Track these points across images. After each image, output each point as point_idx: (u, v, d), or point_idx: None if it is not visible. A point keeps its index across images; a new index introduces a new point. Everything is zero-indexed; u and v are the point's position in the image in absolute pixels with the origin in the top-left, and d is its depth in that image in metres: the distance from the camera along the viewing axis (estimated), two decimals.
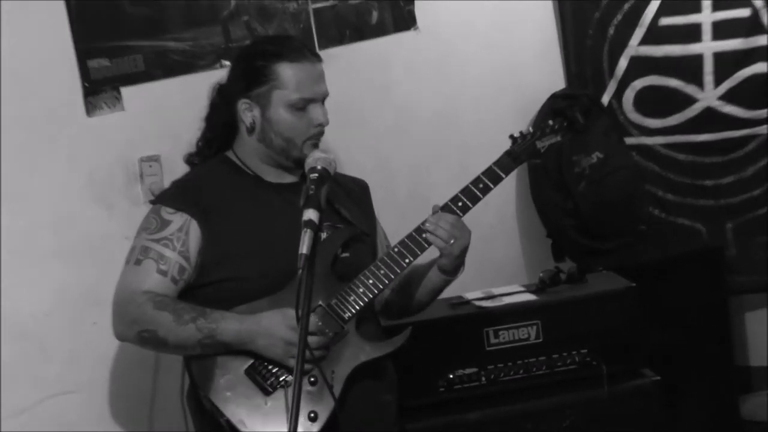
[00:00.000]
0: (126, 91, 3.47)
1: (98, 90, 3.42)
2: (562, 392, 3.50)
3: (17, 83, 3.26)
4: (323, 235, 2.88)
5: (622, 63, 4.32)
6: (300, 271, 2.54)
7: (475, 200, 3.00)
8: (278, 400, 2.81)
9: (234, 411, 2.80)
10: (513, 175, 4.15)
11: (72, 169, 3.45)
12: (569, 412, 3.47)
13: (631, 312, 3.56)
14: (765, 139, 4.29)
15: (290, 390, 2.77)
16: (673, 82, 4.31)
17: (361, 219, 3.08)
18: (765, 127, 4.28)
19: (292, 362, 2.79)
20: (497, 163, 3.05)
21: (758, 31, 4.22)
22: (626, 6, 4.30)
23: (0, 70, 3.24)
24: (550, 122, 3.15)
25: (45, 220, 3.37)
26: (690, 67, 4.29)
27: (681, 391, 3.95)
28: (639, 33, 4.29)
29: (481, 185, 3.02)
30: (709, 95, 4.30)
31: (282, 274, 2.86)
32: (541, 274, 3.68)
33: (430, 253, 3.00)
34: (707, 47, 4.27)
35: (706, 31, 4.25)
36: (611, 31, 4.32)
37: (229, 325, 2.82)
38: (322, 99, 2.98)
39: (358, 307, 2.88)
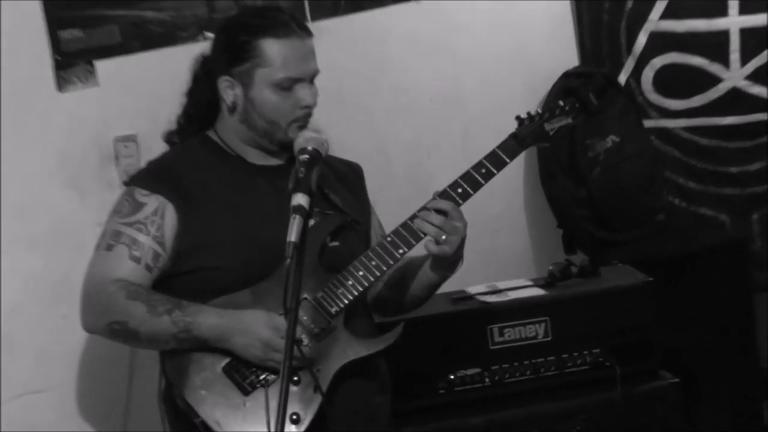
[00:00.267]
0: (100, 65, 3.48)
1: (70, 63, 3.43)
2: (573, 395, 3.49)
3: None
4: (311, 222, 2.87)
5: (641, 39, 4.31)
6: (288, 260, 2.52)
7: (477, 187, 2.98)
8: (257, 400, 2.80)
9: (209, 411, 2.80)
10: (521, 160, 4.19)
11: (41, 150, 3.46)
12: (580, 416, 3.47)
13: (647, 309, 3.56)
14: None
15: (271, 390, 2.79)
16: (696, 60, 4.30)
17: (353, 206, 3.06)
18: None
19: (270, 365, 2.81)
20: (501, 146, 3.03)
21: None
22: None
23: None
24: (561, 103, 3.14)
25: (11, 205, 3.38)
26: (714, 44, 4.28)
27: (700, 394, 3.94)
28: (660, 6, 4.28)
29: (483, 170, 2.99)
30: (735, 74, 4.29)
31: (265, 263, 2.86)
32: (550, 268, 3.67)
33: None
34: (734, 22, 4.26)
35: (733, 5, 4.24)
36: (629, 4, 4.30)
37: (207, 319, 2.81)
38: (310, 78, 2.96)
39: (346, 301, 2.87)
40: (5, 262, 3.36)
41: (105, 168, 3.52)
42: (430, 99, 4.06)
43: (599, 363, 3.51)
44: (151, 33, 3.53)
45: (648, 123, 4.35)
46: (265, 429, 2.75)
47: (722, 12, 4.25)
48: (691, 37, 4.29)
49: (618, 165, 4.20)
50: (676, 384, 3.55)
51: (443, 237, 2.88)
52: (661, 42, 4.30)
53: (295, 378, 2.80)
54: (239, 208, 2.94)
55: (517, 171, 4.22)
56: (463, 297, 3.58)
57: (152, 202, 2.92)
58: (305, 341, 2.82)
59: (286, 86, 2.92)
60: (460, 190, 2.96)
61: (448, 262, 2.95)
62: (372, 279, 2.89)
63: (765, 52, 4.26)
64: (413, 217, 2.92)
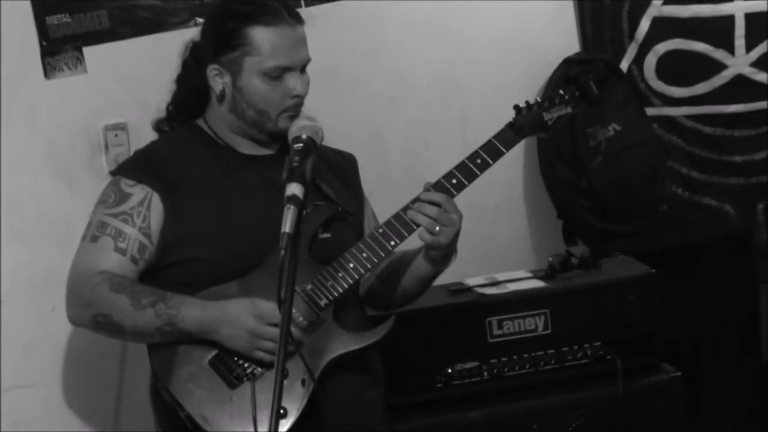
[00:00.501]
0: (89, 51, 3.48)
1: (58, 50, 3.44)
2: (573, 389, 3.52)
3: None
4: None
5: (644, 24, 4.31)
6: (282, 251, 2.52)
7: (472, 177, 2.99)
8: (244, 394, 2.82)
9: (195, 405, 2.82)
10: (520, 149, 4.20)
11: (28, 139, 3.46)
12: (580, 411, 3.50)
13: (649, 301, 3.58)
14: None
15: (257, 383, 2.81)
16: (701, 47, 4.30)
17: (345, 196, 3.07)
18: None
19: (258, 355, 2.83)
20: (498, 136, 3.04)
21: None
22: None
23: None
24: (561, 92, 3.14)
25: None
26: (719, 30, 4.27)
27: (703, 388, 3.96)
28: None
29: (478, 161, 3.00)
30: (740, 61, 4.30)
31: (253, 255, 2.88)
32: (550, 259, 3.69)
33: None
34: (739, 7, 4.25)
35: None
36: None
37: (191, 311, 2.83)
38: (300, 66, 2.97)
39: (336, 294, 2.88)
40: None
41: (94, 157, 3.52)
42: (427, 86, 4.06)
43: (600, 356, 3.53)
44: (141, 18, 3.53)
45: (650, 111, 4.35)
46: (251, 424, 2.77)
47: None
48: (695, 22, 4.28)
49: (620, 154, 4.21)
50: (678, 378, 3.57)
51: (437, 228, 2.89)
52: (664, 27, 4.30)
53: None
54: (227, 199, 2.96)
55: (516, 160, 4.22)
56: (461, 289, 3.60)
57: (138, 192, 2.94)
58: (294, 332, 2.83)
59: (275, 75, 2.93)
60: (454, 181, 2.97)
61: (441, 254, 2.96)
62: (363, 271, 2.90)
63: None
64: (406, 209, 2.92)
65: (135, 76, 3.51)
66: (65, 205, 3.45)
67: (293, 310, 2.79)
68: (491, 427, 3.46)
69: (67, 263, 2.99)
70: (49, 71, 3.44)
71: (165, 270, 2.94)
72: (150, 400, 3.01)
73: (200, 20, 3.51)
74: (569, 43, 4.30)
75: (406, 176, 3.92)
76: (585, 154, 4.18)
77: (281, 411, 2.73)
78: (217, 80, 2.98)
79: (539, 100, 3.14)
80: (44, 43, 3.41)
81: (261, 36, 2.92)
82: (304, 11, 2.98)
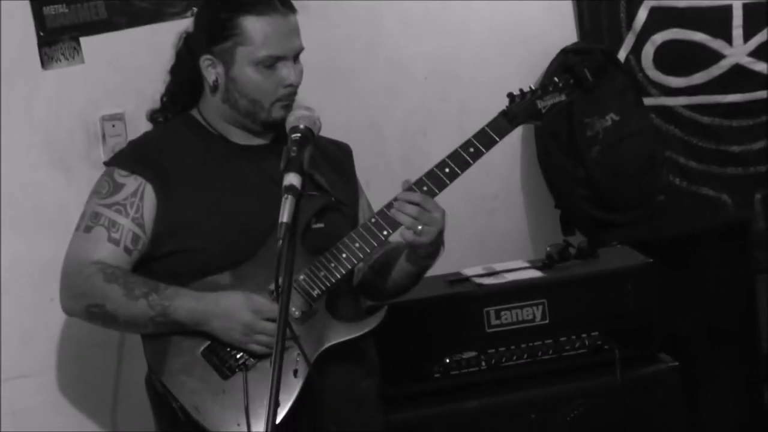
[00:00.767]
0: (86, 42, 3.48)
1: (55, 40, 3.43)
2: (571, 379, 3.52)
3: None
4: None
5: (642, 14, 4.31)
6: (280, 241, 2.52)
7: (465, 166, 2.97)
8: (236, 385, 2.82)
9: (188, 396, 2.82)
10: (518, 139, 4.20)
11: (25, 130, 3.46)
12: (578, 400, 3.50)
13: (647, 291, 3.58)
14: None
15: (249, 373, 2.81)
16: (698, 36, 4.30)
17: (339, 187, 3.06)
18: None
19: (251, 347, 2.83)
20: (491, 124, 3.02)
21: None
22: None
23: None
24: (555, 79, 3.12)
25: None
26: (717, 20, 4.28)
27: (701, 378, 3.96)
28: None
29: (471, 150, 2.98)
30: (737, 51, 4.30)
31: (246, 245, 2.88)
32: (548, 249, 3.69)
33: None
34: None
35: None
36: None
37: (184, 302, 2.84)
38: (293, 56, 2.96)
39: (328, 284, 2.88)
40: None
41: (91, 148, 3.52)
42: (425, 77, 4.06)
43: (597, 346, 3.53)
44: (138, 9, 3.53)
45: (648, 101, 4.36)
46: (244, 414, 2.77)
47: None
48: (692, 12, 4.29)
49: (617, 144, 4.21)
50: (675, 368, 3.57)
51: (420, 228, 2.87)
52: (662, 17, 4.30)
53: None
54: (221, 189, 2.96)
55: (513, 150, 4.23)
56: (459, 279, 3.60)
57: (132, 183, 2.94)
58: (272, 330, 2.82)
59: (268, 64, 2.92)
60: (447, 170, 2.95)
61: (423, 253, 2.94)
62: (355, 261, 2.90)
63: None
64: (393, 203, 2.91)
65: (132, 66, 3.51)
66: (63, 196, 3.45)
67: None
68: (489, 417, 3.46)
69: (65, 254, 2.98)
70: (46, 62, 3.44)
71: (158, 260, 2.94)
72: (146, 391, 3.01)
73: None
74: (567, 34, 4.30)
75: (404, 167, 3.92)
76: (583, 144, 4.19)
77: (278, 402, 2.76)
78: (210, 70, 2.97)
79: (533, 87, 3.12)
80: (41, 34, 3.41)
81: (253, 26, 2.92)
82: (302, 3, 2.97)
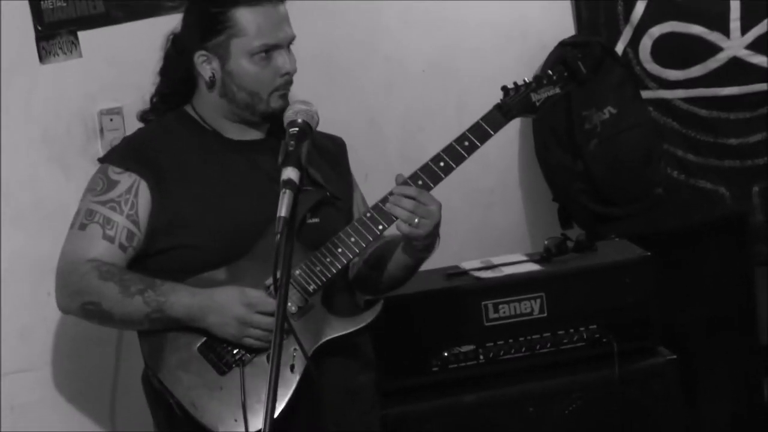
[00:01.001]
0: (84, 36, 3.47)
1: (53, 34, 3.43)
2: (569, 372, 3.52)
3: None
4: None
5: (639, 7, 4.30)
6: (278, 235, 2.51)
7: (460, 160, 2.98)
8: (233, 380, 2.82)
9: (185, 392, 2.82)
10: (515, 133, 4.20)
11: (23, 124, 3.46)
12: (576, 394, 3.50)
13: (645, 284, 3.59)
14: None
15: (246, 369, 2.81)
16: (696, 29, 4.30)
17: (334, 181, 3.06)
18: None
19: (247, 342, 2.83)
20: (485, 118, 3.03)
21: None
22: None
23: None
24: (549, 72, 3.13)
25: None
26: (714, 12, 4.28)
27: (699, 371, 3.96)
28: None
29: (466, 143, 2.99)
30: (735, 44, 4.30)
31: (242, 241, 2.88)
32: (546, 242, 3.69)
33: None
34: None
35: None
36: None
37: (180, 298, 2.84)
38: (287, 44, 2.97)
39: (324, 279, 2.88)
40: None
41: (90, 142, 3.52)
42: (423, 70, 4.06)
43: (596, 339, 3.53)
44: (136, 3, 3.52)
45: (646, 94, 4.36)
46: (241, 410, 2.78)
47: None
48: (690, 4, 4.28)
49: (615, 137, 4.21)
50: (673, 361, 3.57)
51: (416, 221, 2.87)
52: (659, 10, 4.30)
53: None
54: (215, 185, 2.96)
55: (511, 144, 4.23)
56: (457, 273, 3.60)
57: (126, 180, 2.94)
58: (268, 324, 2.80)
59: (263, 55, 2.93)
60: (442, 164, 2.96)
61: (420, 246, 2.94)
62: (351, 256, 2.90)
63: (766, 21, 4.26)
64: (388, 197, 2.92)
65: (130, 60, 3.50)
66: (61, 191, 3.45)
67: None
68: (487, 410, 3.47)
69: None
70: (44, 56, 3.43)
71: (153, 257, 2.95)
72: (143, 387, 3.01)
73: None
74: (564, 27, 4.30)
75: (402, 162, 3.90)
76: (580, 137, 4.19)
77: (276, 397, 2.75)
78: (206, 66, 2.97)
79: (526, 80, 3.12)
80: (39, 28, 3.41)
81: (245, 17, 2.92)
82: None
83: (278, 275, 2.51)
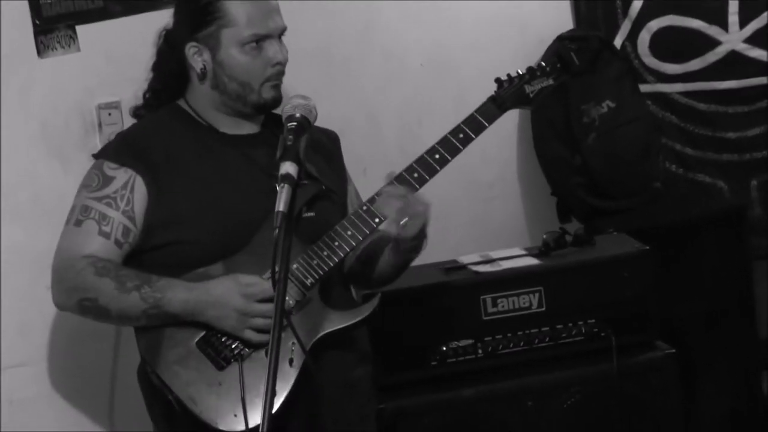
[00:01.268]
0: (82, 30, 3.47)
1: (51, 28, 3.43)
2: (567, 366, 3.52)
3: None
4: None
5: (637, 1, 4.30)
6: (276, 230, 2.51)
7: (455, 152, 2.99)
8: (232, 375, 2.82)
9: (183, 388, 2.82)
10: (514, 126, 4.20)
11: (22, 118, 3.46)
12: (575, 388, 3.50)
13: (644, 278, 3.59)
14: None
15: (245, 363, 2.81)
16: (694, 23, 4.30)
17: (328, 174, 3.06)
18: None
19: (248, 334, 2.82)
20: (480, 109, 3.04)
21: None
22: None
23: None
24: (542, 64, 3.14)
25: None
26: (713, 6, 4.27)
27: (698, 365, 3.96)
28: None
29: (461, 135, 3.00)
30: (733, 37, 4.29)
31: (237, 236, 2.88)
32: (544, 236, 3.69)
33: None
34: None
35: None
36: None
37: (177, 294, 2.83)
38: (278, 35, 2.97)
39: (321, 273, 2.88)
40: None
41: (88, 136, 3.52)
42: (421, 64, 4.06)
43: (594, 334, 3.53)
44: None
45: (644, 87, 4.35)
46: (240, 405, 2.77)
47: None
48: None
49: (614, 131, 4.21)
50: (672, 355, 3.57)
51: (404, 221, 2.87)
52: (658, 4, 4.29)
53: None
54: (211, 180, 2.96)
55: (510, 138, 4.22)
56: (455, 267, 3.60)
57: (121, 175, 2.93)
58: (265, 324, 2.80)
59: (254, 45, 2.93)
60: (437, 156, 2.97)
61: (408, 246, 2.94)
62: (348, 249, 2.90)
63: (764, 14, 4.26)
64: (376, 197, 2.92)
65: (128, 54, 3.50)
66: (59, 185, 3.45)
67: None
68: (486, 404, 3.47)
69: None
70: (42, 50, 3.43)
71: (149, 252, 2.94)
72: (139, 383, 3.01)
73: None
74: (563, 21, 4.29)
75: (400, 156, 3.88)
76: (579, 131, 4.18)
77: (274, 392, 2.74)
78: (197, 58, 2.98)
79: (520, 72, 3.12)
80: (37, 22, 3.40)
81: (235, 7, 2.93)
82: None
83: (276, 269, 2.50)
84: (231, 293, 2.81)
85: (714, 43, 4.30)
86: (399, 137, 4.01)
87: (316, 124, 2.92)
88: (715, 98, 4.36)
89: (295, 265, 2.85)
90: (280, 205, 2.54)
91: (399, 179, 2.94)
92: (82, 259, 2.88)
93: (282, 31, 2.99)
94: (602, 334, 3.53)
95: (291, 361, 2.81)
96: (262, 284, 2.80)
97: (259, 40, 2.94)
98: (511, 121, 4.16)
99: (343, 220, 2.93)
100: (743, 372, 4.12)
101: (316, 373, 2.81)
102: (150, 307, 2.83)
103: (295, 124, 2.75)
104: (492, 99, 3.07)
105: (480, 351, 3.50)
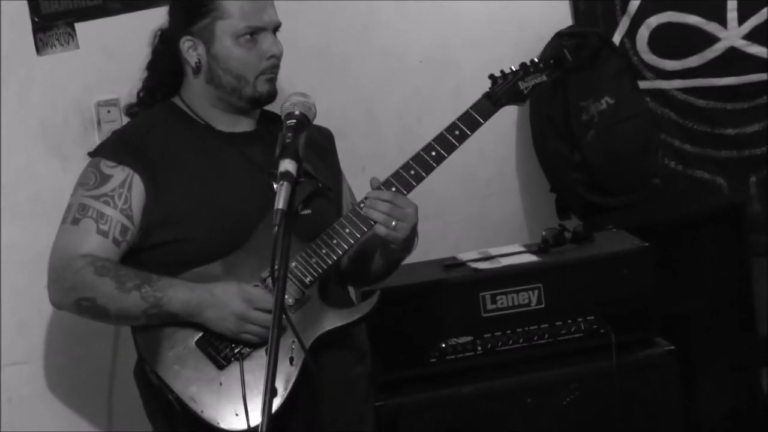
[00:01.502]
0: (81, 27, 3.47)
1: (50, 26, 3.42)
2: (567, 363, 3.52)
3: None
4: None
5: None
6: (275, 228, 2.50)
7: (451, 149, 2.99)
8: (232, 375, 2.82)
9: (184, 387, 2.81)
10: (512, 123, 4.20)
11: (21, 116, 3.45)
12: (574, 385, 3.50)
13: (643, 275, 3.58)
14: None
15: (246, 363, 2.81)
16: (693, 19, 4.30)
17: (324, 172, 3.06)
18: None
19: (244, 337, 2.82)
20: (475, 106, 3.04)
21: None
22: None
23: None
24: (535, 60, 3.15)
25: None
26: (711, 3, 4.27)
27: (697, 362, 3.95)
28: None
29: (457, 132, 3.00)
30: (732, 34, 4.29)
31: (235, 234, 2.88)
32: (543, 233, 3.69)
33: None
34: None
35: None
36: None
37: (177, 293, 2.83)
38: (272, 29, 2.98)
39: (320, 271, 2.88)
40: None
41: (87, 134, 3.52)
42: (420, 61, 4.06)
43: (593, 330, 3.53)
44: None
45: (643, 84, 4.35)
46: (241, 404, 2.77)
47: None
48: None
49: (613, 127, 4.21)
50: (671, 351, 3.57)
51: (393, 224, 2.87)
52: (656, 0, 4.30)
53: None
54: (208, 178, 2.95)
55: (508, 134, 4.22)
56: (454, 264, 3.60)
57: (119, 173, 2.93)
58: (265, 321, 2.80)
59: (248, 37, 2.93)
60: (434, 153, 2.97)
61: (398, 247, 2.94)
62: (346, 247, 2.89)
63: (764, 11, 4.26)
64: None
65: (127, 51, 3.49)
66: (58, 182, 3.44)
67: None
68: (485, 401, 3.47)
69: None
70: (41, 47, 3.43)
71: (147, 251, 2.94)
72: (136, 382, 3.00)
73: None
74: (561, 17, 4.30)
75: (399, 153, 3.87)
76: (578, 128, 4.18)
77: (274, 390, 2.74)
78: (192, 52, 2.98)
79: (513, 69, 3.13)
80: (36, 20, 3.40)
81: (228, 0, 2.93)
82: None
83: (276, 267, 2.50)
84: (232, 297, 2.81)
85: (713, 39, 4.30)
86: (398, 135, 4.01)
87: (319, 121, 2.92)
88: (714, 95, 4.36)
89: (293, 263, 2.85)
90: (280, 203, 2.53)
91: (395, 177, 2.94)
92: (80, 258, 2.87)
93: (277, 26, 2.99)
94: (601, 331, 3.53)
95: (291, 360, 2.82)
96: (265, 294, 2.81)
97: (254, 32, 2.94)
98: (509, 117, 4.16)
99: (341, 218, 2.93)
100: (743, 369, 4.12)
101: (317, 372, 2.81)
102: (150, 307, 2.82)
103: (294, 121, 2.74)
104: (487, 95, 3.07)
105: (479, 348, 3.50)
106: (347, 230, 2.90)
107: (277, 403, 2.74)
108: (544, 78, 3.14)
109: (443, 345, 3.48)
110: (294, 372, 2.81)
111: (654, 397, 3.53)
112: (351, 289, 3.30)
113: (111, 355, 3.58)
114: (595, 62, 4.16)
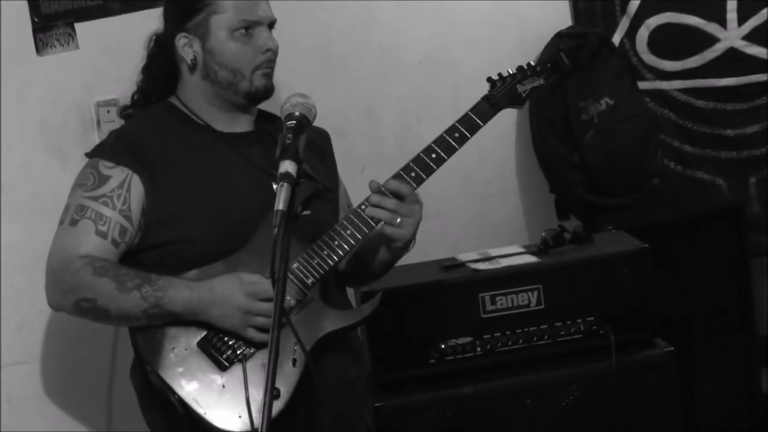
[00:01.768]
0: (81, 27, 3.47)
1: (50, 26, 3.43)
2: (566, 364, 3.52)
3: None
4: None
5: None
6: (275, 229, 2.49)
7: (451, 151, 2.99)
8: (235, 376, 2.81)
9: (186, 388, 2.80)
10: (512, 124, 4.20)
11: (20, 116, 3.46)
12: (573, 386, 3.50)
13: (642, 276, 3.58)
14: None
15: (248, 364, 2.80)
16: (692, 20, 4.30)
17: (323, 173, 3.06)
18: None
19: (250, 333, 2.81)
20: (474, 109, 3.04)
21: None
22: None
23: None
24: (532, 63, 3.15)
25: None
26: (711, 3, 4.27)
27: (697, 363, 3.96)
28: None
29: (456, 135, 3.00)
30: (732, 34, 4.30)
31: (235, 235, 2.87)
32: (543, 234, 3.69)
33: None
34: None
35: None
36: None
37: (179, 293, 2.81)
38: (268, 23, 2.98)
39: (322, 272, 2.87)
40: None
41: (86, 134, 3.52)
42: (419, 61, 4.06)
43: (593, 331, 3.53)
44: None
45: (643, 85, 4.35)
46: (244, 405, 2.76)
47: None
48: None
49: (612, 128, 4.21)
50: (671, 352, 3.57)
51: (398, 220, 2.87)
52: (656, 1, 4.30)
53: None
54: (207, 179, 2.95)
55: (508, 135, 4.22)
56: (454, 264, 3.60)
57: (118, 174, 2.92)
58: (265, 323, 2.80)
59: (243, 31, 2.94)
60: (434, 155, 2.97)
61: (400, 244, 2.94)
62: (347, 248, 2.89)
63: (764, 11, 4.26)
64: (370, 198, 2.91)
65: (127, 51, 3.48)
66: (58, 182, 3.44)
67: None
68: (485, 402, 3.47)
69: None
70: (41, 47, 3.44)
71: (146, 252, 2.93)
72: (133, 383, 2.99)
73: None
74: (561, 17, 4.30)
75: (399, 152, 3.91)
76: (577, 129, 4.18)
77: (275, 391, 2.73)
78: (187, 49, 2.98)
79: (511, 72, 3.13)
80: (36, 20, 3.40)
81: None
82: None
83: (276, 269, 2.50)
84: (234, 291, 2.80)
85: (713, 40, 4.30)
86: (397, 134, 4.01)
87: (319, 121, 2.92)
88: (714, 95, 4.36)
89: (295, 265, 2.85)
90: (280, 204, 2.52)
91: (396, 178, 2.94)
92: (79, 259, 2.85)
93: (272, 22, 3.00)
94: (601, 332, 3.53)
95: (294, 362, 2.81)
96: (265, 283, 2.77)
97: (249, 26, 2.95)
98: (508, 118, 4.16)
99: (342, 219, 2.93)
100: (742, 369, 4.12)
101: (318, 374, 2.79)
102: (151, 307, 2.82)
103: (294, 122, 2.73)
104: (486, 98, 3.08)
105: (479, 349, 3.50)
106: (348, 231, 2.90)
107: (279, 405, 2.75)
108: (542, 81, 3.14)
109: (443, 346, 3.48)
110: (296, 374, 2.81)
111: (653, 397, 3.53)
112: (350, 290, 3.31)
113: (110, 356, 3.59)
114: (595, 63, 4.16)
